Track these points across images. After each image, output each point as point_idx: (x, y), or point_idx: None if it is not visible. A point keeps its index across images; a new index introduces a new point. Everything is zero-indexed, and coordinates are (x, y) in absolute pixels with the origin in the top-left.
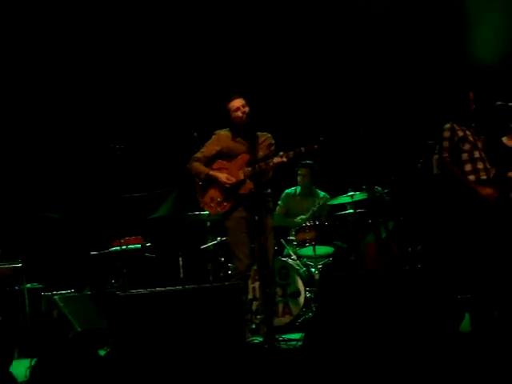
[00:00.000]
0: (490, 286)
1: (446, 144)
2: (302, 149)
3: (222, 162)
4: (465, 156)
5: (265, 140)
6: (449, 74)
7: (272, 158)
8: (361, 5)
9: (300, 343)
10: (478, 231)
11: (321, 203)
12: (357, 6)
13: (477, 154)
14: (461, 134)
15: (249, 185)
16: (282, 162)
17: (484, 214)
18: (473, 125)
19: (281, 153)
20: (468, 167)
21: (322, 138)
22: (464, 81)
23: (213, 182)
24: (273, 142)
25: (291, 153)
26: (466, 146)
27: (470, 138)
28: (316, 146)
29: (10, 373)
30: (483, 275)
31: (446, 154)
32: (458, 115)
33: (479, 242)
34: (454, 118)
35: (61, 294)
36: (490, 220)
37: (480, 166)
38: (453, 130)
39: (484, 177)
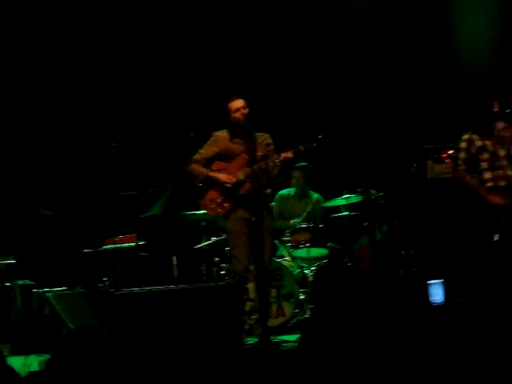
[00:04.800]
0: (493, 290)
1: (462, 155)
2: (301, 147)
3: (221, 164)
4: (484, 165)
5: (263, 140)
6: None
7: (279, 154)
8: (360, 7)
9: (296, 344)
10: (485, 236)
11: (312, 207)
12: (356, 9)
13: (498, 162)
14: (479, 143)
15: (248, 185)
16: (289, 157)
17: (492, 219)
18: (498, 133)
19: (287, 148)
20: (487, 175)
21: (320, 137)
22: (486, 89)
23: (212, 183)
24: (271, 141)
25: (291, 151)
26: (485, 156)
27: (490, 148)
28: (315, 144)
29: (11, 367)
30: (487, 279)
31: (461, 164)
32: (478, 124)
33: (486, 246)
34: (473, 127)
35: (53, 291)
36: (497, 224)
37: (500, 173)
38: (470, 141)
39: (502, 183)
